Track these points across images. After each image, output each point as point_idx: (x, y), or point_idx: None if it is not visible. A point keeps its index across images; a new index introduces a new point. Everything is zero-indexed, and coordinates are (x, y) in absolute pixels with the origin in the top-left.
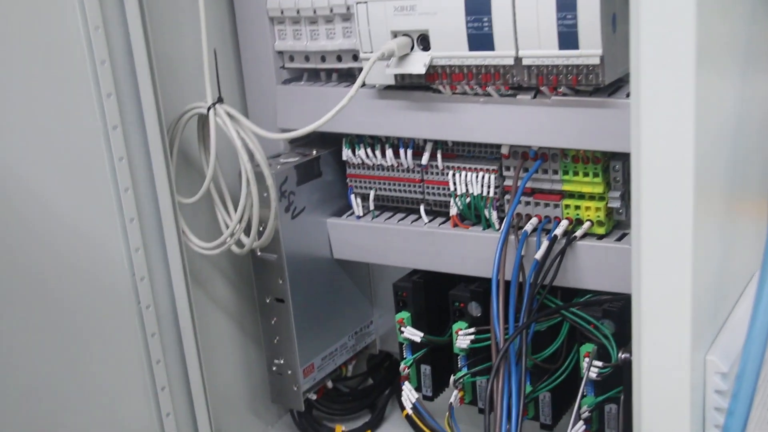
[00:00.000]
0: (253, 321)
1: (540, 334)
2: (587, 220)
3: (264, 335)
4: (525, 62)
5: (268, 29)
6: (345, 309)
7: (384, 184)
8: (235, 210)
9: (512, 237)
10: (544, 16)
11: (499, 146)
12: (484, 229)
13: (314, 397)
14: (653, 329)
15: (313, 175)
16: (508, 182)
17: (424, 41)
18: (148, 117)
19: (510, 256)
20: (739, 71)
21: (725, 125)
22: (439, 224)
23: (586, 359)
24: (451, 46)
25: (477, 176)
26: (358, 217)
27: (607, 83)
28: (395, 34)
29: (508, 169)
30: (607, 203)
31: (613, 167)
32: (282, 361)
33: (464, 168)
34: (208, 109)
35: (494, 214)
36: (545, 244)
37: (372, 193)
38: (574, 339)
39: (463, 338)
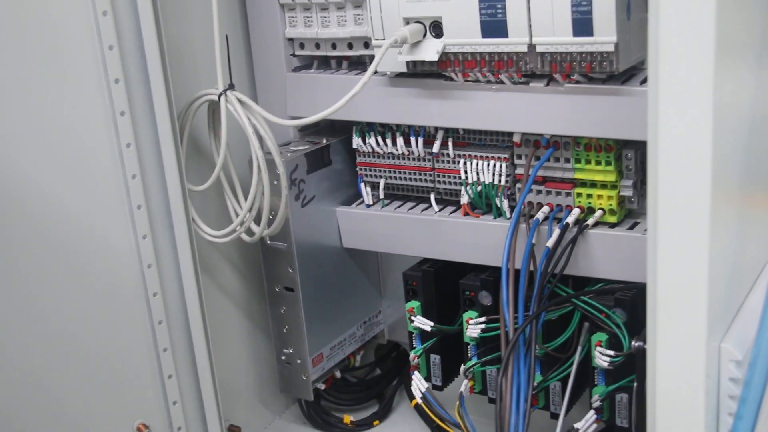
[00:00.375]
0: (261, 310)
1: (551, 323)
2: (599, 208)
3: (273, 324)
4: (538, 49)
5: (279, 16)
6: (354, 298)
7: (394, 172)
8: (245, 198)
9: (523, 225)
10: (558, 2)
11: (510, 134)
12: (495, 217)
13: (323, 386)
14: (669, 318)
15: (323, 163)
16: (520, 170)
17: (436, 28)
18: (157, 103)
19: (520, 244)
20: (755, 62)
21: (741, 116)
22: (450, 213)
23: (598, 348)
24: (464, 33)
25: (488, 164)
26: (368, 206)
27: (620, 71)
28: (407, 21)
29: (519, 157)
30: (619, 192)
31: (625, 155)
32: (291, 351)
33: (475, 156)
34: (220, 95)
35: (505, 203)
36: (556, 232)
37: (382, 182)
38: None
39: (473, 327)
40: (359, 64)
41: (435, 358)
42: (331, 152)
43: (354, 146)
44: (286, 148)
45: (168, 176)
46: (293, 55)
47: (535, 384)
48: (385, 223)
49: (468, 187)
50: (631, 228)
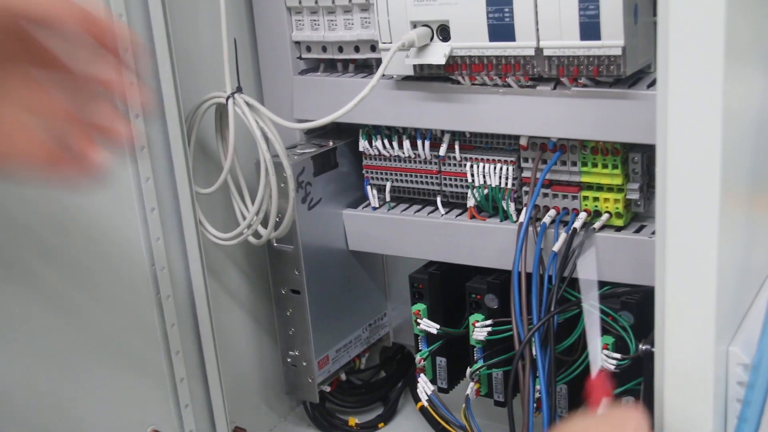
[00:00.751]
0: (268, 312)
1: (558, 326)
2: (605, 211)
3: (279, 327)
4: (546, 53)
5: (286, 19)
6: (359, 301)
7: (400, 175)
8: (252, 200)
9: (530, 229)
10: (566, 6)
11: (517, 137)
12: (501, 220)
13: (328, 389)
14: (677, 321)
15: (329, 166)
16: (526, 174)
17: (443, 32)
18: (168, 106)
19: (528, 248)
20: (762, 66)
21: (749, 119)
22: (456, 216)
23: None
24: (472, 37)
25: (495, 168)
26: (374, 209)
27: (627, 74)
28: (415, 25)
29: (526, 160)
30: (625, 195)
31: (632, 159)
32: (297, 353)
33: (482, 159)
34: (228, 98)
35: (512, 206)
36: (563, 236)
37: (388, 185)
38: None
39: (479, 330)
40: (365, 68)
41: (441, 361)
42: (337, 155)
43: (360, 149)
44: (292, 150)
45: (178, 179)
46: (300, 58)
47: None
48: (392, 225)
49: (474, 190)
50: (638, 231)
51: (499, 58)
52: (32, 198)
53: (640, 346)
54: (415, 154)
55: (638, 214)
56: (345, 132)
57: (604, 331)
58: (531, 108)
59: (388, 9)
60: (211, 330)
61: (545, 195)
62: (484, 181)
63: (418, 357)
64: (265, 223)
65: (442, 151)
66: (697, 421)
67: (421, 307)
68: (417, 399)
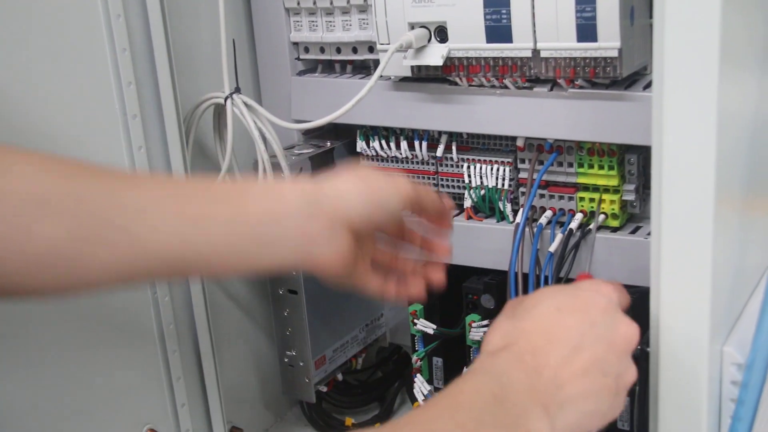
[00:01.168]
0: (264, 312)
1: None
2: (602, 212)
3: (276, 327)
4: (543, 54)
5: (284, 20)
6: (356, 301)
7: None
8: None
9: (526, 230)
10: (563, 8)
11: (514, 139)
12: (498, 221)
13: (325, 389)
14: (672, 321)
15: (327, 166)
16: (523, 175)
17: (441, 33)
18: (166, 106)
19: (524, 249)
20: (757, 69)
21: (744, 121)
22: (453, 216)
23: None
24: (469, 38)
25: (492, 168)
26: None
27: (624, 76)
28: (412, 26)
29: (523, 161)
30: (621, 196)
31: (628, 160)
32: (294, 353)
33: (479, 160)
34: (226, 98)
35: (508, 207)
36: (559, 237)
37: None
38: None
39: (476, 330)
40: (363, 68)
41: (437, 361)
42: (335, 155)
43: (358, 149)
44: (290, 151)
45: None
46: (298, 58)
47: None
48: None
49: (471, 191)
50: (633, 232)
51: (496, 59)
52: None
53: (636, 346)
54: (412, 154)
55: (634, 216)
56: (343, 133)
57: None
58: (528, 109)
59: (386, 10)
60: (208, 329)
61: (542, 196)
62: (481, 182)
63: (414, 357)
64: None
65: (440, 151)
66: (691, 420)
67: (417, 307)
68: (414, 399)
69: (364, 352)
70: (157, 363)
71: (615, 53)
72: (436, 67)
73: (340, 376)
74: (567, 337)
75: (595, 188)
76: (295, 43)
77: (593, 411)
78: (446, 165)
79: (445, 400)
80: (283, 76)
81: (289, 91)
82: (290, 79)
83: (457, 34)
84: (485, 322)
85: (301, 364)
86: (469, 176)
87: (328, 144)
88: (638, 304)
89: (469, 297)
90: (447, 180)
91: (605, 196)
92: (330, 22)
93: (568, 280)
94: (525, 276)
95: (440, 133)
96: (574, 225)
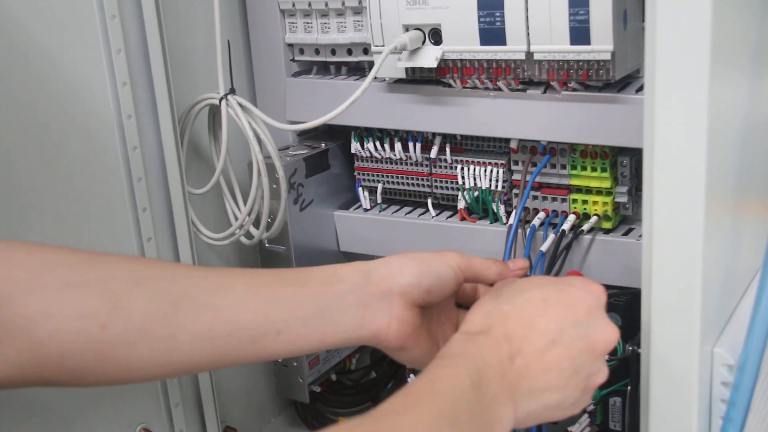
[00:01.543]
0: None
1: None
2: (594, 214)
3: None
4: (536, 57)
5: (279, 22)
6: None
7: (392, 177)
8: (244, 201)
9: (519, 231)
10: (556, 11)
11: (507, 140)
12: (491, 222)
13: (318, 389)
14: (663, 322)
15: (321, 167)
16: (516, 176)
17: (435, 35)
18: (161, 107)
19: (517, 250)
20: (749, 70)
21: (736, 123)
22: (447, 218)
23: None
24: (463, 41)
25: (485, 170)
26: (366, 210)
27: (617, 79)
28: (407, 28)
29: (516, 163)
30: (614, 198)
31: (620, 162)
32: None
33: (473, 162)
34: (221, 99)
35: (502, 208)
36: (551, 237)
37: (380, 187)
38: None
39: None
40: (358, 70)
41: None
42: (329, 157)
43: (352, 151)
44: (285, 152)
45: (170, 179)
46: (293, 60)
47: None
48: (383, 227)
49: (465, 193)
50: (626, 234)
51: (490, 61)
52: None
53: (627, 347)
54: (406, 156)
55: (626, 217)
56: (337, 134)
57: None
58: (521, 111)
59: (380, 12)
60: None
61: (535, 197)
62: (475, 184)
63: None
64: (257, 224)
65: (433, 153)
66: (681, 421)
67: None
68: None
69: (358, 353)
70: None
71: (608, 56)
72: (430, 69)
73: (334, 377)
74: (546, 329)
75: (588, 190)
76: (290, 45)
77: (557, 405)
78: (440, 166)
79: (424, 386)
80: (277, 78)
81: (284, 93)
82: (285, 81)
83: (451, 36)
84: None
85: (295, 364)
86: (463, 178)
87: (323, 145)
88: (630, 306)
89: None
90: (441, 182)
91: (598, 198)
92: (325, 23)
93: None
94: None
95: (434, 134)
96: (566, 226)
